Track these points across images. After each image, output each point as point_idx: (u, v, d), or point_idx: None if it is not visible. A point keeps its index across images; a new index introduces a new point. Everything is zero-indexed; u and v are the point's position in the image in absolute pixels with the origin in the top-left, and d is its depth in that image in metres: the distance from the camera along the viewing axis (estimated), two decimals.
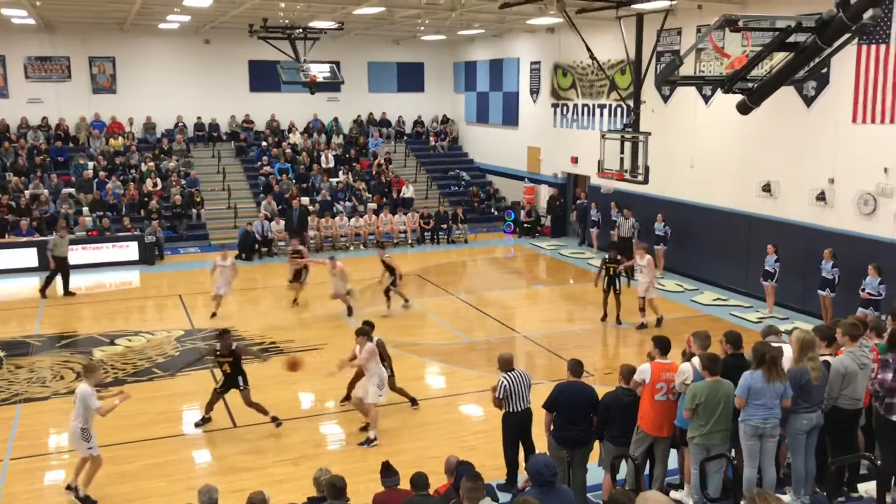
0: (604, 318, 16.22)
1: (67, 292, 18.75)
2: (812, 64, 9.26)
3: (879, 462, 6.74)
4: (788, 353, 7.61)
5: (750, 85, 9.81)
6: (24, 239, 21.35)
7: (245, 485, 9.01)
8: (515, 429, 9.17)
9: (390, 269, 16.90)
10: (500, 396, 8.99)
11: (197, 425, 11.33)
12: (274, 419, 11.17)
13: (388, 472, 7.23)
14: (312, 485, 7.27)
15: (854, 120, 15.34)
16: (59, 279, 18.74)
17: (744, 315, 16.58)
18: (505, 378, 8.99)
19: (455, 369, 13.81)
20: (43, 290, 18.52)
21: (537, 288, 20.45)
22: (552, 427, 8.45)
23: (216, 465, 10.26)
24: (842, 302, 14.84)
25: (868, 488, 7.15)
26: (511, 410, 9.05)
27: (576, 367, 8.50)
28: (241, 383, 11.07)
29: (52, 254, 18.49)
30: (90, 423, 9.08)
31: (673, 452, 8.31)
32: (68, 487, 9.33)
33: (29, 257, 20.74)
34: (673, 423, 7.95)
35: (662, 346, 8.11)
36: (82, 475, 9.17)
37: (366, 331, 11.02)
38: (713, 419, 7.28)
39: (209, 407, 11.31)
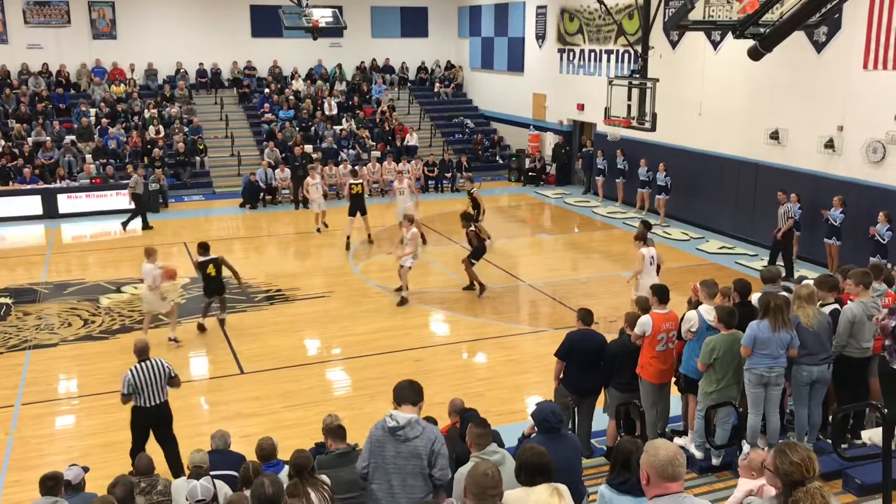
0: None
1: (146, 226, 19.85)
2: (826, 8, 9.09)
3: (886, 410, 6.77)
4: None
5: (762, 30, 9.65)
6: (28, 186, 21.30)
7: (253, 430, 9.14)
8: (144, 427, 8.38)
9: (476, 205, 15.56)
10: (126, 392, 8.17)
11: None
12: None
13: None
14: (322, 431, 7.33)
15: (865, 66, 15.09)
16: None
17: (749, 263, 16.56)
18: (130, 371, 8.18)
19: (459, 317, 13.88)
20: (125, 225, 19.79)
21: (542, 237, 20.41)
22: (562, 376, 8.48)
23: (224, 411, 10.37)
24: (848, 250, 14.83)
25: (871, 435, 7.20)
26: (140, 405, 8.27)
27: (586, 315, 8.50)
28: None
29: (133, 191, 19.63)
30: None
31: (676, 398, 8.38)
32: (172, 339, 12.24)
33: (33, 205, 20.74)
34: (672, 368, 8.00)
35: (661, 295, 8.08)
36: (172, 326, 12.44)
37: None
38: (730, 372, 7.26)
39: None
